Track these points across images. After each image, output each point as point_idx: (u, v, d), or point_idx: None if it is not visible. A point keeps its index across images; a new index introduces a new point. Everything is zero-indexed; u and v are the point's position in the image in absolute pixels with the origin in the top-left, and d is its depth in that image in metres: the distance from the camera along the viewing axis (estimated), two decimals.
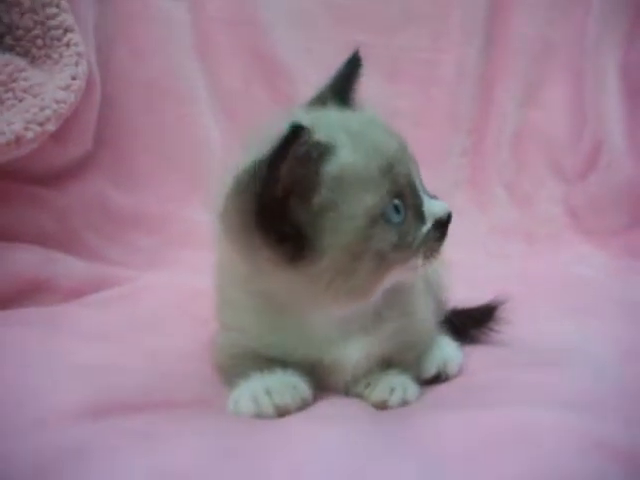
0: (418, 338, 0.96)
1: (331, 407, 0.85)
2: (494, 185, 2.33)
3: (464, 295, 1.21)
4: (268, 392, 0.81)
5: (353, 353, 0.88)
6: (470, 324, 1.18)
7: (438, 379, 0.99)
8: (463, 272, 1.27)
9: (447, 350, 1.02)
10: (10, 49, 1.60)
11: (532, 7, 2.36)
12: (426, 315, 1.00)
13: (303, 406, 0.83)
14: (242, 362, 0.88)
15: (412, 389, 0.89)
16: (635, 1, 2.27)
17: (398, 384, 0.88)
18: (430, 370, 0.98)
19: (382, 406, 0.86)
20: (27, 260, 1.49)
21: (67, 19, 1.63)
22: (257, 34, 2.12)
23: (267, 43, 2.12)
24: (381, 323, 0.89)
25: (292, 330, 0.86)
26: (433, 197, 0.86)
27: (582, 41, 2.36)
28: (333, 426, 0.76)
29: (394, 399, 0.86)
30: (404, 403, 0.87)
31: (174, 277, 1.65)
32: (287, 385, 0.83)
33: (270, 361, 0.86)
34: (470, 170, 2.33)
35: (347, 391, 0.91)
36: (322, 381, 0.90)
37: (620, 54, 2.30)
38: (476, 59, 2.35)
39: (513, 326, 1.18)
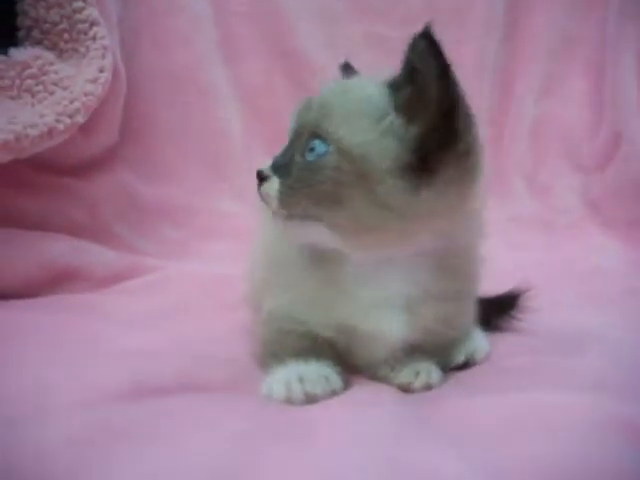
0: (458, 331, 0.97)
1: (362, 392, 0.87)
2: (513, 176, 2.34)
3: (484, 284, 1.23)
4: (301, 380, 0.84)
5: (395, 325, 0.88)
6: (493, 312, 1.20)
7: (465, 366, 1.01)
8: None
9: (475, 338, 1.05)
10: (38, 42, 1.63)
11: (552, 1, 2.36)
12: (473, 307, 1.01)
13: (332, 396, 0.85)
14: (283, 341, 0.91)
15: (436, 374, 0.92)
16: None
17: (423, 369, 0.91)
18: (459, 358, 1.01)
19: (407, 389, 0.89)
20: (58, 249, 1.52)
21: (93, 13, 1.64)
22: (279, 27, 2.13)
23: (288, 36, 2.14)
24: (429, 300, 0.89)
25: (333, 288, 0.88)
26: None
27: (601, 34, 2.36)
28: (364, 410, 0.79)
29: (418, 383, 0.89)
30: (428, 387, 0.90)
31: (201, 266, 1.69)
32: (320, 375, 0.85)
33: (308, 350, 0.89)
34: (489, 161, 2.32)
35: (374, 375, 0.93)
36: (357, 358, 0.92)
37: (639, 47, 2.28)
38: (496, 51, 2.35)
39: (534, 314, 1.21)
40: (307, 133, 0.83)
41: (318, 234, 0.83)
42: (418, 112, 0.78)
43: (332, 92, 0.86)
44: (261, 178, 0.85)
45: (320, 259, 0.88)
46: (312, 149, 0.82)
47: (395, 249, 0.84)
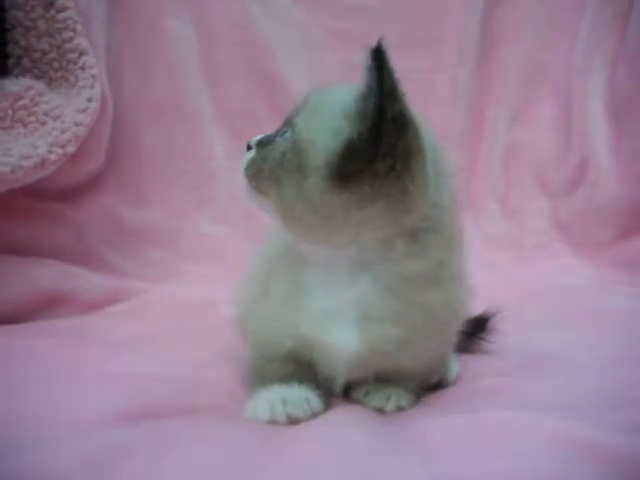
0: (418, 363, 0.97)
1: (340, 412, 0.92)
2: (487, 200, 2.43)
3: None
4: (283, 402, 0.89)
5: (345, 337, 0.89)
6: (464, 335, 1.25)
7: (437, 387, 1.07)
8: None
9: (447, 361, 1.10)
10: (28, 71, 1.68)
11: (523, 32, 2.46)
12: (445, 344, 1.03)
13: (313, 417, 0.90)
14: (267, 365, 0.96)
15: (406, 399, 0.98)
16: (618, 27, 2.36)
17: (393, 394, 0.97)
18: (432, 380, 1.07)
19: (379, 411, 0.95)
20: (47, 274, 1.56)
21: (82, 42, 1.69)
22: (260, 55, 2.21)
23: (269, 64, 2.21)
24: (382, 319, 0.89)
25: (295, 296, 0.92)
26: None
27: (569, 64, 2.46)
28: (341, 430, 0.84)
29: (389, 407, 0.96)
30: (399, 410, 0.96)
31: (186, 288, 1.74)
32: (301, 398, 0.90)
33: (290, 374, 0.94)
34: (464, 185, 2.39)
35: (351, 398, 0.99)
36: (320, 373, 0.96)
37: (605, 77, 2.39)
38: (468, 80, 2.44)
39: (502, 336, 1.27)
40: (287, 120, 0.91)
41: (269, 209, 0.89)
42: (357, 122, 0.81)
43: (318, 92, 0.91)
44: (248, 148, 0.93)
45: (291, 268, 0.93)
46: (283, 134, 0.89)
47: (323, 245, 0.88)
